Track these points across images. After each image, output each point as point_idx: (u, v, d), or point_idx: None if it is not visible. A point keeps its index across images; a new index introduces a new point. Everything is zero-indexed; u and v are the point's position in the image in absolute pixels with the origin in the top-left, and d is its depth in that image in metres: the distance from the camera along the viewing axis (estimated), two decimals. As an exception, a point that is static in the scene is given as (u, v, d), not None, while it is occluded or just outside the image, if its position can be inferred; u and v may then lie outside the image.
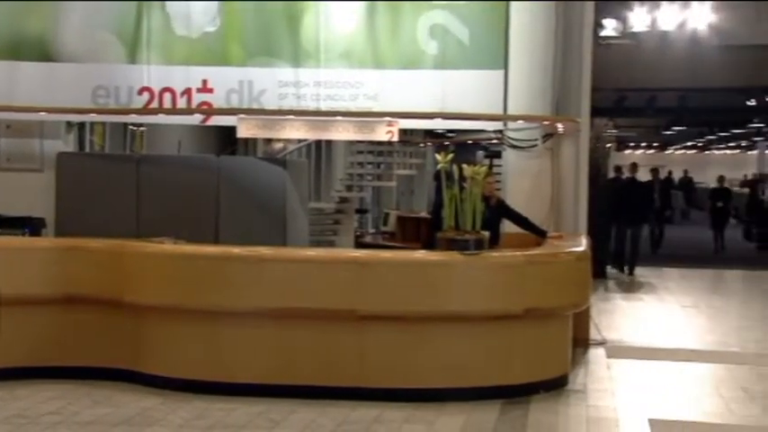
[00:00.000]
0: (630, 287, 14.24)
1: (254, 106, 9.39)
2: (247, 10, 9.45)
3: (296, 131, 9.47)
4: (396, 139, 9.39)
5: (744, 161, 52.14)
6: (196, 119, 9.93)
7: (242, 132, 9.29)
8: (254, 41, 9.46)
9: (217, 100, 9.44)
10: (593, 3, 9.43)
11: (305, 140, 13.40)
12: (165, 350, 6.95)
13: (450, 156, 7.32)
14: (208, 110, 9.52)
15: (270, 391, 6.64)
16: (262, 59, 9.44)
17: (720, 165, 52.90)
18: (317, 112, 9.26)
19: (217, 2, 9.39)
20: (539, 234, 8.55)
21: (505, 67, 9.22)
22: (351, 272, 6.79)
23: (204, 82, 9.43)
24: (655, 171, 21.85)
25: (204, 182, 9.19)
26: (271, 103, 9.38)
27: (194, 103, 9.47)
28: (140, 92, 9.46)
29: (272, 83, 9.40)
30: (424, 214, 14.50)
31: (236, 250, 7.11)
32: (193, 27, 9.43)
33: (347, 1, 9.32)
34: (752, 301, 13.10)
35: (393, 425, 6.09)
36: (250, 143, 15.82)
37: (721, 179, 23.02)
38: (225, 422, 6.09)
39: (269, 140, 15.20)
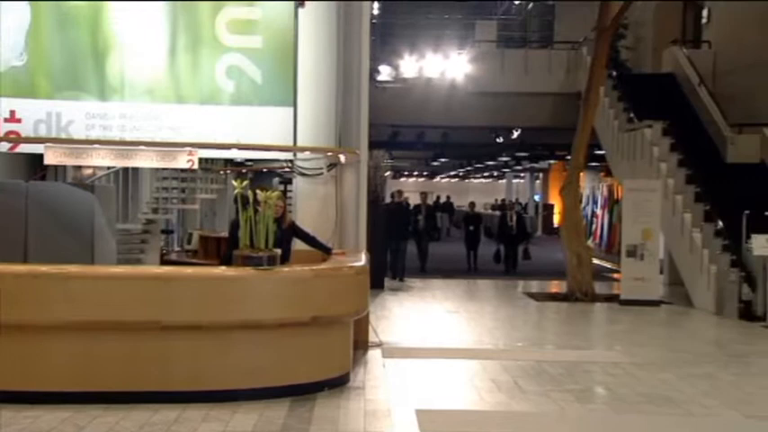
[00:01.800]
0: (403, 295, 14.58)
1: (63, 136, 8.94)
2: (54, 47, 8.99)
3: (102, 159, 9.07)
4: (196, 166, 9.19)
5: (496, 188, 54.99)
6: (4, 146, 9.29)
7: (49, 159, 8.82)
8: (62, 76, 9.03)
9: (25, 129, 8.93)
10: (368, 50, 9.64)
11: (113, 167, 12.87)
12: (-28, 365, 6.44)
13: (246, 182, 7.25)
14: (15, 138, 8.97)
15: (77, 398, 6.35)
16: (69, 93, 9.01)
17: (477, 191, 55.52)
18: (122, 142, 8.93)
19: (23, 39, 8.87)
20: (325, 251, 8.60)
21: (294, 104, 9.26)
22: (154, 286, 6.62)
23: (12, 112, 8.90)
24: (423, 195, 21.93)
25: (13, 205, 8.60)
26: (78, 133, 8.97)
27: (2, 132, 8.90)
28: (-53, 120, 8.78)
29: (80, 114, 9.00)
30: (224, 234, 14.25)
31: (44, 268, 6.73)
32: (0, 61, 8.87)
33: (143, 1, 9.07)
34: (501, 306, 13.72)
35: (192, 424, 5.94)
36: (60, 170, 14.98)
37: (472, 205, 22.69)
38: (30, 428, 5.72)
39: (79, 167, 14.47)
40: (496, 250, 20.61)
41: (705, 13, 20.68)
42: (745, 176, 15.28)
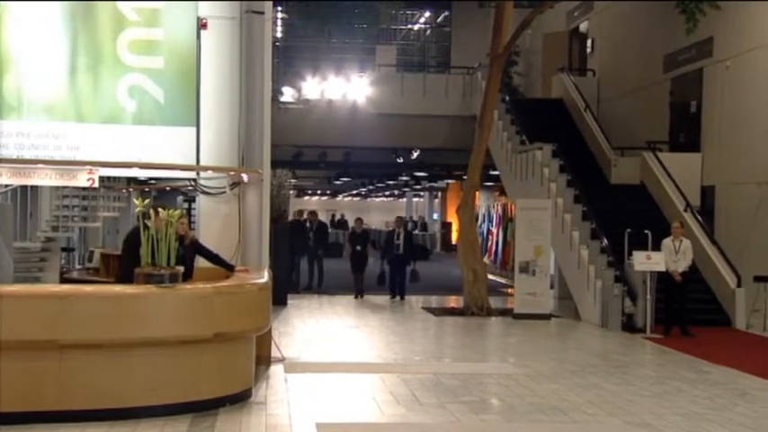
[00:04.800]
0: (305, 311, 14.51)
1: (-44, 153, 8.55)
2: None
3: (-3, 177, 8.71)
4: (97, 185, 8.93)
5: (397, 207, 55.41)
6: None
7: (-58, 178, 8.40)
8: None
9: None
10: (270, 72, 9.63)
11: (10, 185, 12.39)
12: None
13: (148, 200, 7.13)
14: None
15: (-29, 420, 6.04)
16: None
17: (379, 209, 55.89)
18: (20, 160, 8.59)
19: None
20: (227, 268, 8.51)
21: (197, 124, 9.15)
22: (52, 305, 6.40)
23: None
24: (312, 214, 19.61)
25: None
26: (-28, 152, 8.59)
27: None
28: None
29: None
30: (125, 252, 13.87)
31: (-64, 288, 6.41)
32: None
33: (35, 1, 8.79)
34: (401, 321, 13.79)
35: (91, 444, 5.76)
36: (-46, 187, 14.32)
37: (359, 222, 18.84)
38: None
39: (-26, 185, 13.87)
40: (380, 272, 17.75)
41: (589, 43, 21.52)
42: (627, 196, 15.96)
